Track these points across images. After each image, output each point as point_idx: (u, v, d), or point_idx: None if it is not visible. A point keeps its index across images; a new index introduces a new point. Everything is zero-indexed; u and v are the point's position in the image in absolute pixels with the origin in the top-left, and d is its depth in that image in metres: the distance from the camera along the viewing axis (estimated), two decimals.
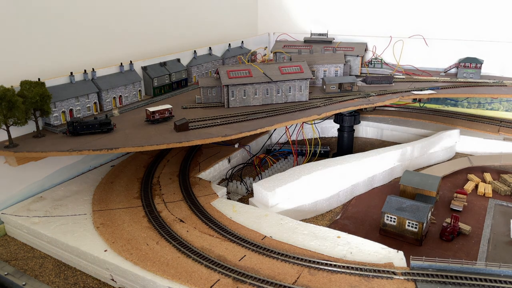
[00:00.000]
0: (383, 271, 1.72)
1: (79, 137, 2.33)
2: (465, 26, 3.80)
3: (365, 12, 4.25)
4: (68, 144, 2.22)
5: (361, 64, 3.87)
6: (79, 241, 2.05)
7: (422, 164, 3.19)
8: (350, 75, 3.69)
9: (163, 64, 3.28)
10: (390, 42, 3.99)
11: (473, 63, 3.63)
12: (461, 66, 3.67)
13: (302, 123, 3.46)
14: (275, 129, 3.46)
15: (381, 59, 3.97)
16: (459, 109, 3.90)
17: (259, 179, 2.78)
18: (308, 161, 3.21)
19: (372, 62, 3.98)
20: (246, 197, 2.82)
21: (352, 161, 2.85)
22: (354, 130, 3.40)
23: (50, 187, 2.66)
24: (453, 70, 3.83)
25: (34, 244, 2.25)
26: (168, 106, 2.60)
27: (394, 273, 1.70)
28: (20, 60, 2.52)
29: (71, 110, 2.57)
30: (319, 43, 3.93)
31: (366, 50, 4.03)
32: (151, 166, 2.92)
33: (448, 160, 3.32)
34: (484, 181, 2.92)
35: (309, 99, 3.01)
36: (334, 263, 1.78)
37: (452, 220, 2.31)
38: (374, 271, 1.72)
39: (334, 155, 3.33)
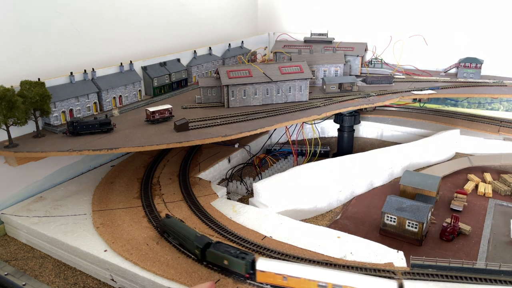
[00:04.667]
0: (383, 271, 1.72)
1: (79, 137, 2.32)
2: (465, 26, 3.80)
3: (365, 12, 4.25)
4: (68, 144, 2.22)
5: (361, 64, 3.87)
6: (79, 241, 2.05)
7: (422, 164, 3.19)
8: (350, 75, 3.69)
9: (163, 64, 3.28)
10: (390, 42, 3.99)
11: (473, 63, 3.63)
12: (461, 66, 3.67)
13: (302, 123, 3.46)
14: (275, 129, 3.46)
15: (381, 59, 3.97)
16: (459, 109, 3.90)
17: (259, 179, 2.78)
18: (308, 161, 3.21)
19: (372, 62, 3.98)
20: (246, 197, 2.82)
21: (352, 161, 2.85)
22: (354, 130, 3.40)
23: (50, 187, 2.66)
24: (453, 70, 3.83)
25: (34, 244, 2.25)
26: (168, 106, 2.60)
27: (394, 273, 1.70)
28: (20, 60, 2.52)
29: (71, 110, 2.57)
30: (319, 43, 3.93)
31: (366, 50, 4.02)
32: (151, 166, 2.92)
33: (448, 160, 3.32)
34: (484, 181, 2.92)
35: (309, 99, 3.01)
36: (334, 263, 1.78)
37: (452, 220, 2.30)
38: (374, 271, 1.72)
39: (334, 155, 3.32)
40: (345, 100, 3.01)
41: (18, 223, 2.27)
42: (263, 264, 1.55)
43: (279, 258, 1.79)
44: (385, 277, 1.64)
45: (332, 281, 1.49)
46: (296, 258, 1.81)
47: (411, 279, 1.65)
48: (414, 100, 3.35)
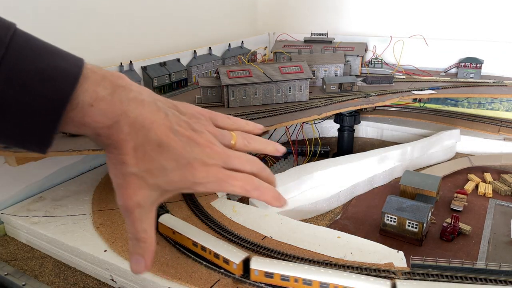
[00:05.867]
0: (383, 271, 1.72)
1: (79, 137, 2.32)
2: (465, 26, 3.80)
3: (365, 12, 4.25)
4: (68, 144, 2.21)
5: (361, 64, 3.87)
6: (79, 241, 2.04)
7: (422, 164, 3.19)
8: (350, 75, 3.69)
9: (163, 64, 3.27)
10: (390, 42, 3.99)
11: (473, 63, 3.63)
12: (461, 66, 3.67)
13: (302, 123, 3.46)
14: (275, 129, 3.46)
15: (381, 59, 3.97)
16: (459, 109, 3.89)
17: None
18: (308, 161, 3.21)
19: (372, 62, 3.98)
20: (246, 197, 2.81)
21: (352, 161, 2.84)
22: (354, 130, 3.40)
23: (50, 187, 2.65)
24: (453, 70, 3.83)
25: (34, 244, 2.24)
26: None
27: (394, 273, 1.70)
28: None
29: None
30: (319, 43, 3.93)
31: (366, 50, 4.02)
32: None
33: (448, 160, 3.31)
34: (484, 181, 2.91)
35: (309, 99, 3.01)
36: (334, 263, 1.78)
37: (452, 220, 2.30)
38: (374, 271, 1.72)
39: (334, 155, 3.32)
40: (345, 100, 3.01)
41: (18, 223, 2.27)
42: (163, 219, 1.97)
43: (279, 258, 1.79)
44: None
45: (201, 242, 1.80)
46: (296, 258, 1.81)
47: (409, 279, 1.65)
48: (414, 100, 3.35)
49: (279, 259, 1.82)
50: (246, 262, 1.66)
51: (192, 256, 1.83)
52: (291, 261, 1.72)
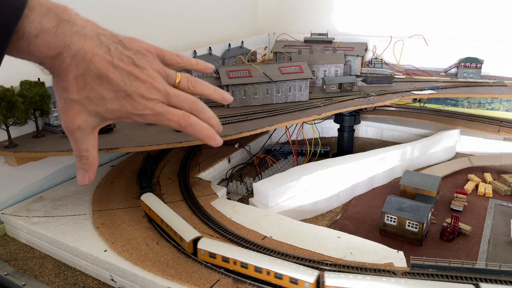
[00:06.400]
0: (383, 271, 1.72)
1: None
2: (465, 26, 3.80)
3: (365, 12, 4.25)
4: (68, 144, 2.19)
5: (361, 64, 3.86)
6: (79, 241, 2.04)
7: (422, 164, 3.19)
8: (350, 75, 3.69)
9: None
10: (390, 42, 3.99)
11: (473, 63, 3.63)
12: (461, 66, 3.67)
13: (302, 123, 3.46)
14: (275, 129, 3.46)
15: (381, 59, 3.97)
16: (459, 109, 3.89)
17: (259, 179, 2.78)
18: (308, 161, 3.21)
19: (372, 62, 3.98)
20: (246, 197, 2.82)
21: (352, 161, 2.84)
22: (354, 130, 3.39)
23: (50, 187, 2.66)
24: (453, 70, 3.83)
25: (34, 244, 2.24)
26: None
27: (394, 273, 1.70)
28: (20, 60, 2.51)
29: None
30: (319, 43, 3.93)
31: (366, 50, 4.02)
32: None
33: (448, 160, 3.32)
34: (484, 181, 2.91)
35: (309, 99, 3.01)
36: (334, 263, 1.78)
37: (452, 220, 2.30)
38: (374, 271, 1.72)
39: (334, 155, 3.32)
40: (345, 100, 3.01)
41: (18, 223, 2.27)
42: (144, 196, 2.19)
43: (279, 259, 1.79)
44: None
45: (166, 220, 1.97)
46: (296, 258, 1.81)
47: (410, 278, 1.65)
48: (414, 100, 3.35)
49: (278, 258, 1.82)
50: (196, 242, 1.76)
51: (192, 256, 1.83)
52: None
